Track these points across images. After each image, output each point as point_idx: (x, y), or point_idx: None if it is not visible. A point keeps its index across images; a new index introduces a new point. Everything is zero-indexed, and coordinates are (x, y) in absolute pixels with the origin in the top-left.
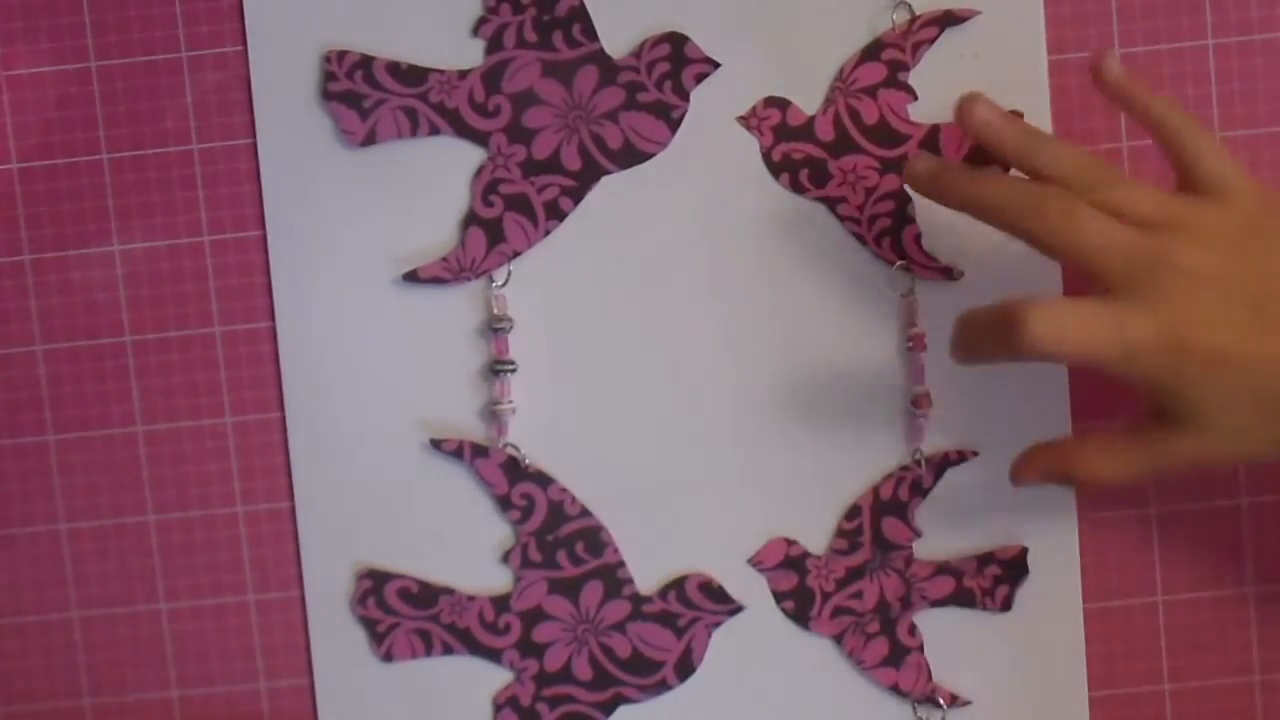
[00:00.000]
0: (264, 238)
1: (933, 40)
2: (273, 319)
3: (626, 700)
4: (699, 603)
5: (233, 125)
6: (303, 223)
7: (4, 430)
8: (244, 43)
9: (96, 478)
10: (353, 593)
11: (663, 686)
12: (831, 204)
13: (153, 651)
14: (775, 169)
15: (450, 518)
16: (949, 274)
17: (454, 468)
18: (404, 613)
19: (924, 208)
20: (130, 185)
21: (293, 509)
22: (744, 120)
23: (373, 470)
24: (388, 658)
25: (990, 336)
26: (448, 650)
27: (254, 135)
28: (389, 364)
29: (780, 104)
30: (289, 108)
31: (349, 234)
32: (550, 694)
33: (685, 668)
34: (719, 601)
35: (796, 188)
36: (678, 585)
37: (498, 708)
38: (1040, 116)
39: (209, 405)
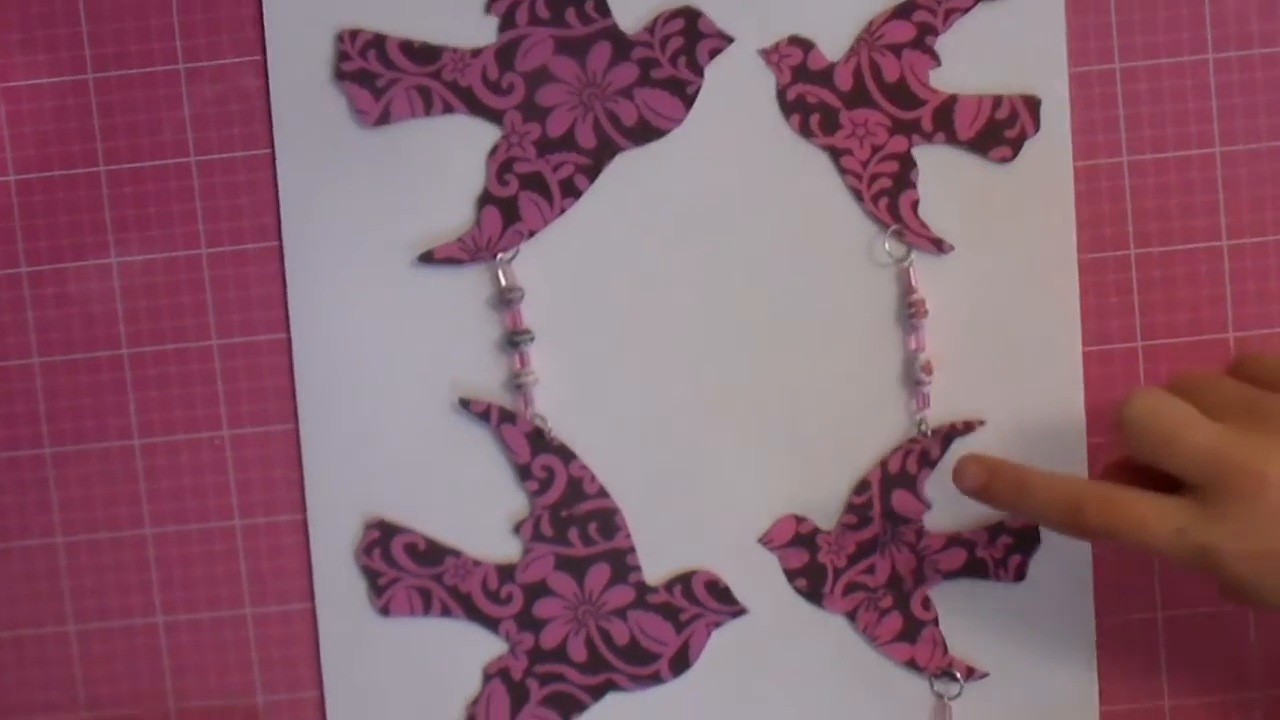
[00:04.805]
0: (261, 251)
1: (966, 9)
2: (268, 332)
3: (617, 687)
4: (703, 600)
5: (230, 138)
6: (317, 203)
7: (1, 443)
8: (260, 29)
9: (93, 491)
10: (359, 542)
11: (655, 679)
12: (836, 154)
13: (149, 665)
14: (787, 108)
15: (466, 484)
16: (939, 246)
17: (472, 439)
18: (408, 568)
19: (928, 178)
20: (127, 198)
21: (292, 523)
22: (766, 55)
23: (387, 436)
24: (385, 611)
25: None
26: (446, 612)
27: (252, 148)
28: (405, 342)
29: (804, 45)
30: (303, 88)
31: (363, 214)
32: (542, 671)
33: (680, 663)
34: (723, 602)
35: (805, 131)
36: (684, 580)
37: (487, 677)
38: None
39: (206, 418)
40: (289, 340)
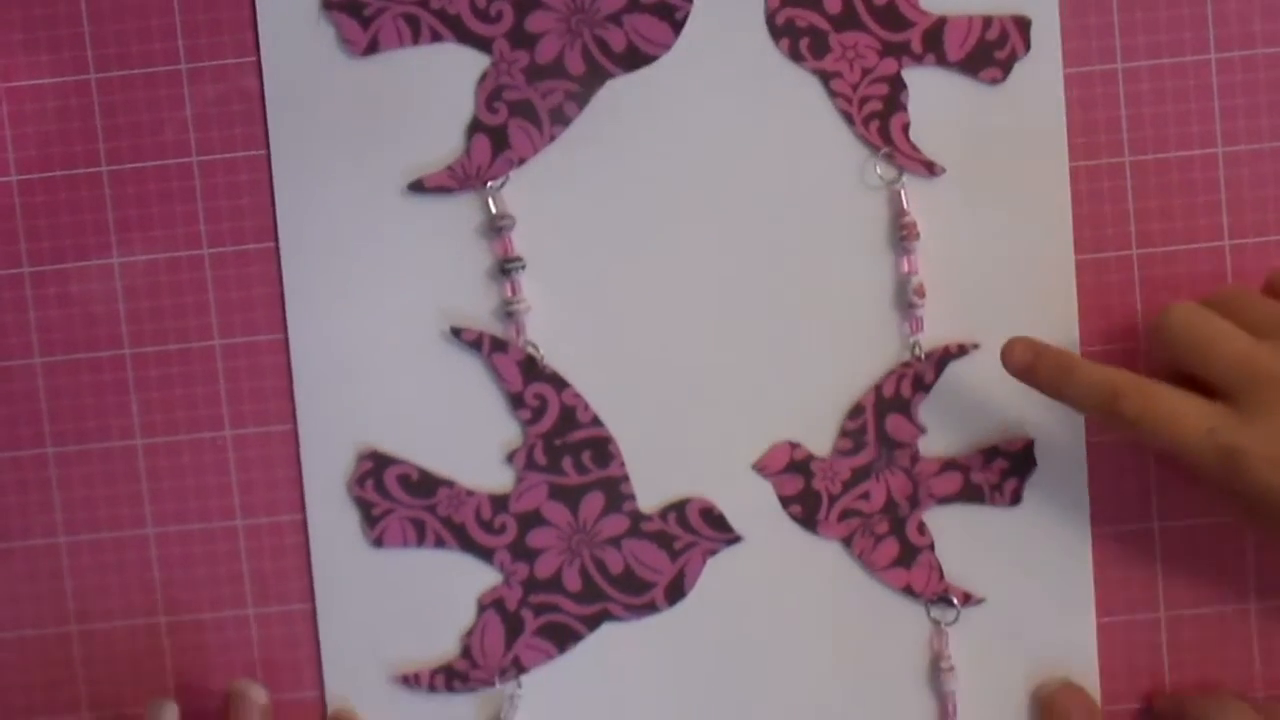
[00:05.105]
0: (263, 251)
1: None
2: (270, 332)
3: (612, 617)
4: (698, 528)
5: (232, 138)
6: (305, 135)
7: (3, 443)
8: (256, 52)
9: (96, 491)
10: (352, 473)
11: (651, 608)
12: (826, 78)
13: (153, 666)
14: (776, 32)
15: (458, 414)
16: (931, 169)
17: (464, 368)
18: (401, 499)
19: (918, 99)
20: (130, 198)
21: (294, 523)
22: None
23: (379, 367)
24: (378, 543)
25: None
26: (439, 543)
27: (254, 149)
28: (395, 272)
29: None
30: (290, 19)
31: (352, 145)
32: (537, 601)
33: (676, 591)
34: (718, 529)
35: (795, 55)
36: (679, 508)
37: (482, 608)
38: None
39: (208, 418)
40: (288, 336)
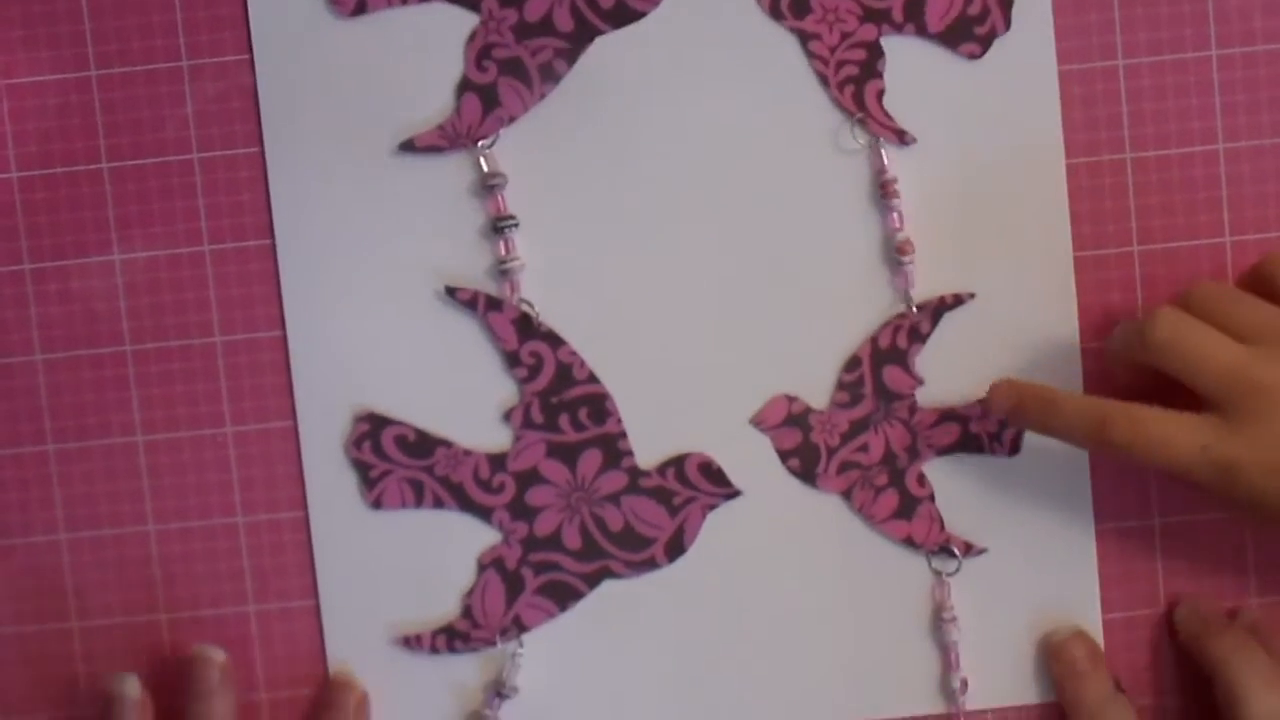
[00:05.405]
0: (263, 248)
1: None
2: (271, 328)
3: (613, 574)
4: (697, 483)
5: (233, 134)
6: (295, 96)
7: (4, 440)
8: (249, 50)
9: (96, 488)
10: (348, 435)
11: (651, 564)
12: (805, 38)
13: (154, 663)
14: None
15: (454, 373)
16: (901, 137)
17: (459, 328)
18: (399, 460)
19: (895, 66)
20: (130, 194)
21: (295, 519)
22: None
23: (374, 329)
24: (377, 504)
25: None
26: (438, 503)
27: (254, 145)
28: (388, 234)
29: None
30: None
31: (342, 107)
32: (537, 560)
33: (676, 547)
34: (717, 484)
35: (775, 13)
36: (677, 463)
37: (482, 567)
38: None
39: (209, 415)
40: (283, 312)
